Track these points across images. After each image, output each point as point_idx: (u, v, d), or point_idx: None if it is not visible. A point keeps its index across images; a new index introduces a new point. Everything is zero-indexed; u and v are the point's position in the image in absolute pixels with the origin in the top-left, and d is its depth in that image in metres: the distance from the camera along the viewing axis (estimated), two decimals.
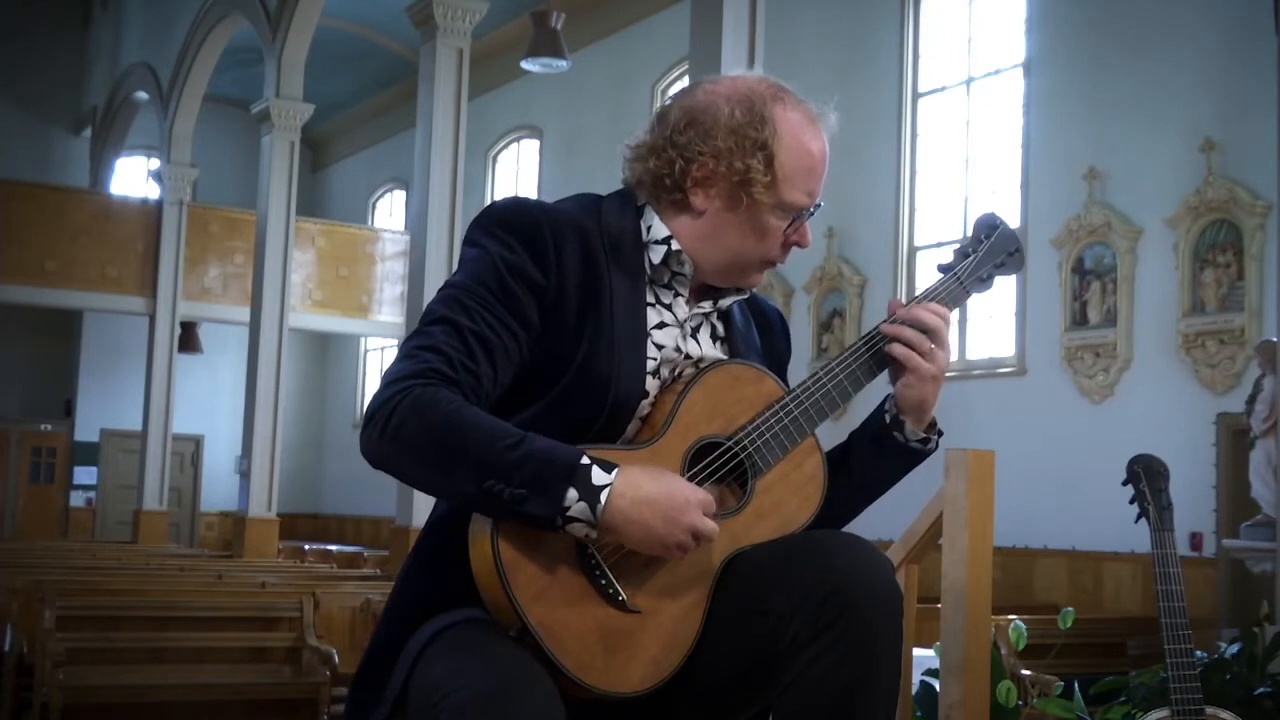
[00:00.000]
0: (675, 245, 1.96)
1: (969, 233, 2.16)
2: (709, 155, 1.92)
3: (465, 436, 1.74)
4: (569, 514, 1.72)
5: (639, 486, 1.76)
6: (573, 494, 1.72)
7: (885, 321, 2.03)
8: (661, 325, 1.96)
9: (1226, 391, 9.42)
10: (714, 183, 1.93)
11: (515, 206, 1.94)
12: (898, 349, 1.99)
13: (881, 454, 2.05)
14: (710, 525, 1.79)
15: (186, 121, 17.40)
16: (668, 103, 2.01)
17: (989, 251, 2.10)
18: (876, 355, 2.01)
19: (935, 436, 2.06)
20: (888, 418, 2.04)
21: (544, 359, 1.88)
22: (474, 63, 12.03)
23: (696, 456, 1.88)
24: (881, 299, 12.24)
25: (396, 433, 1.75)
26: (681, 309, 1.99)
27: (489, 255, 1.89)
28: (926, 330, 1.99)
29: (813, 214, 1.99)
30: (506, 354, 1.85)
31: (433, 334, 1.83)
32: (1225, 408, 9.39)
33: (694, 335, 2.00)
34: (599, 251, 1.93)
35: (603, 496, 1.73)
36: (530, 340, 1.88)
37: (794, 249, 2.02)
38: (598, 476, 1.74)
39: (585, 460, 1.75)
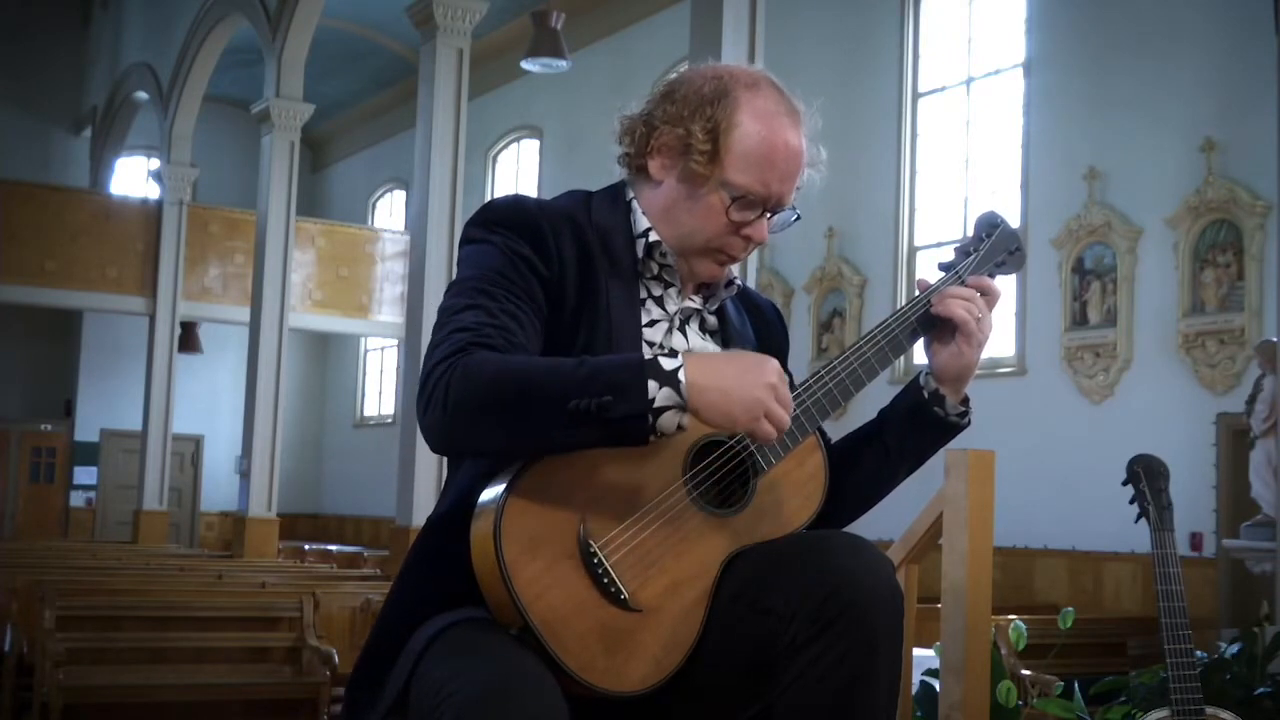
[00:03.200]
0: (654, 236, 1.97)
1: (970, 232, 2.16)
2: (668, 121, 1.95)
3: (528, 377, 1.74)
4: (655, 405, 1.72)
5: (708, 360, 1.78)
6: (653, 384, 1.73)
7: (922, 295, 2.04)
8: (653, 323, 1.97)
9: (1226, 391, 9.42)
10: (668, 150, 1.95)
11: (513, 204, 1.95)
12: (958, 309, 2.00)
13: (919, 429, 2.06)
14: (786, 391, 1.78)
15: (186, 121, 17.40)
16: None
17: (990, 250, 2.11)
18: (924, 320, 2.01)
19: (969, 409, 2.08)
20: (926, 392, 2.05)
21: (546, 352, 1.89)
22: (474, 63, 12.02)
23: (698, 455, 1.88)
24: (881, 299, 12.25)
25: (460, 402, 1.74)
26: (672, 302, 2.00)
27: (495, 248, 1.90)
28: (981, 291, 2.02)
29: (773, 214, 1.97)
30: (534, 332, 1.86)
31: (461, 319, 1.83)
32: (1225, 408, 9.39)
33: (683, 329, 2.00)
34: (592, 248, 1.94)
35: (681, 375, 1.74)
36: (543, 328, 1.89)
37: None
38: (666, 363, 1.75)
39: (648, 355, 1.76)
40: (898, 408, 2.09)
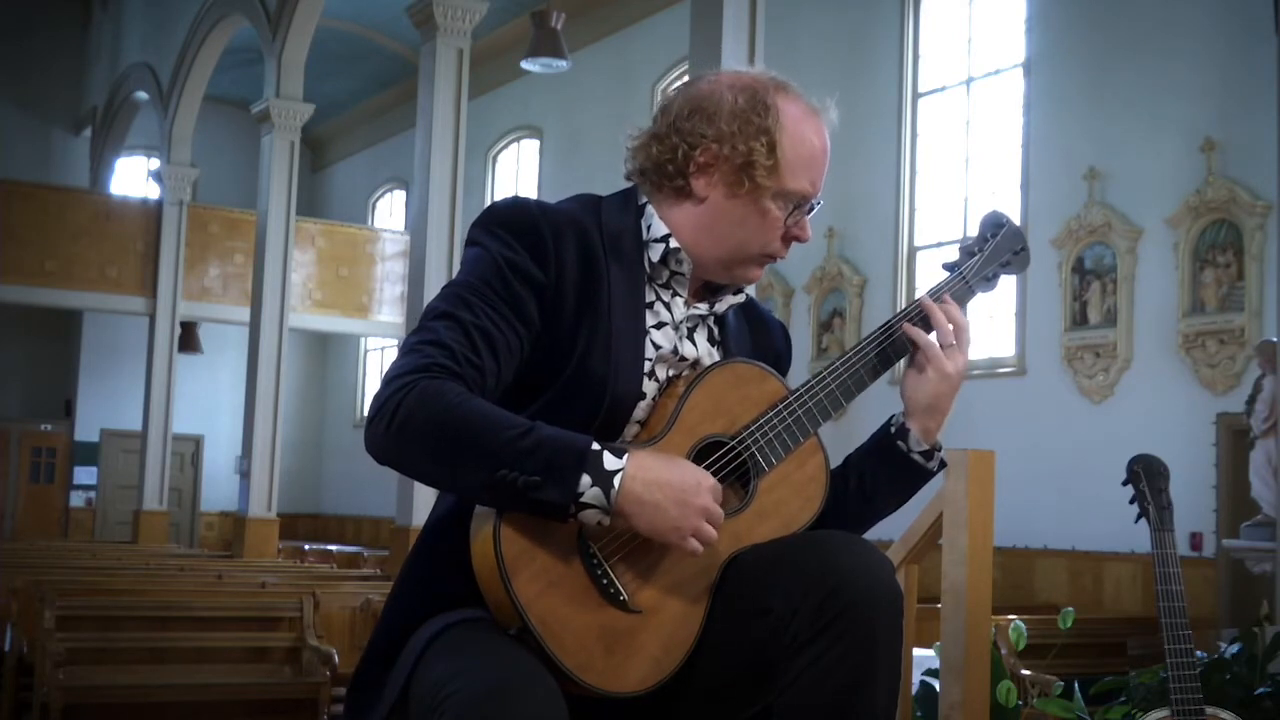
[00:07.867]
0: (674, 243, 1.95)
1: (972, 232, 2.16)
2: (712, 139, 1.92)
3: (474, 427, 1.73)
4: (582, 500, 1.72)
5: (651, 470, 1.76)
6: (586, 479, 1.72)
7: (925, 295, 2.03)
8: (660, 325, 1.96)
9: (1226, 391, 9.42)
10: (716, 168, 1.93)
11: (515, 206, 1.94)
12: (919, 333, 1.99)
13: (881, 464, 2.04)
14: (718, 510, 1.79)
15: (186, 121, 17.41)
16: (671, 93, 2.02)
17: (995, 250, 2.11)
18: (898, 343, 2.01)
19: (938, 455, 2.04)
20: (893, 427, 2.04)
21: (543, 357, 1.88)
22: (474, 63, 12.03)
23: (699, 456, 1.88)
24: (881, 299, 12.25)
25: (404, 426, 1.74)
26: (679, 309, 1.99)
27: (489, 254, 1.89)
28: (953, 323, 2.01)
29: (814, 208, 1.98)
30: (509, 349, 1.85)
31: (436, 329, 1.83)
32: (1225, 408, 9.39)
33: (690, 337, 1.99)
34: (598, 251, 1.93)
35: (616, 480, 1.73)
36: (530, 338, 1.88)
37: (793, 245, 2.01)
38: (609, 461, 1.74)
39: (596, 446, 1.74)
40: (865, 444, 2.08)
